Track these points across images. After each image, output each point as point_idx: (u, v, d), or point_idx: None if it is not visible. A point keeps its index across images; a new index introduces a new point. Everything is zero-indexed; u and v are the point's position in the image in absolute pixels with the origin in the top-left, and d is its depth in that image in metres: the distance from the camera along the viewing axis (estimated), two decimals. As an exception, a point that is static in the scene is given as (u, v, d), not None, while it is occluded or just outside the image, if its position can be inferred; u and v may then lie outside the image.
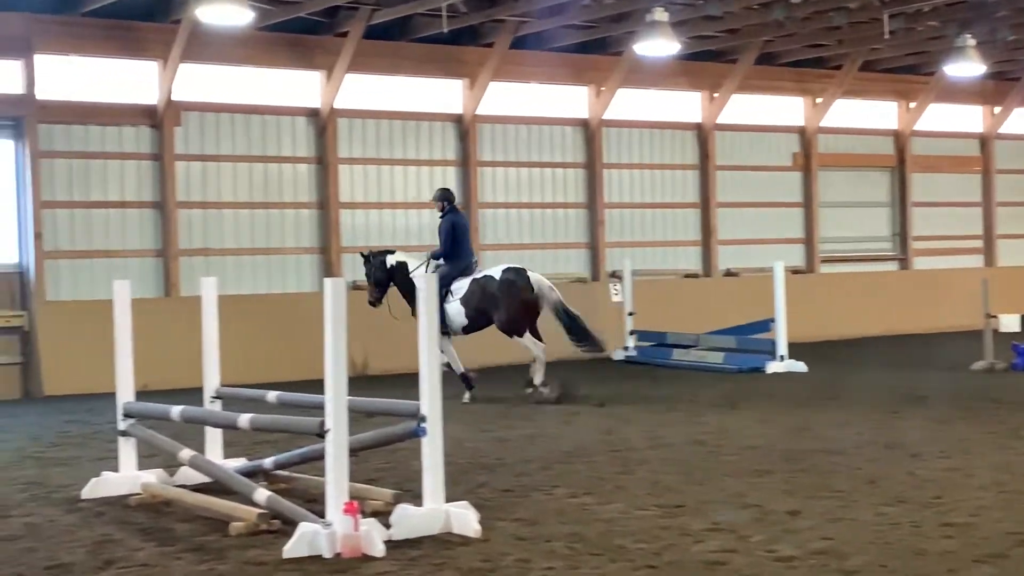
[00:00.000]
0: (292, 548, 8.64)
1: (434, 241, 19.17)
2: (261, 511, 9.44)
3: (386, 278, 18.33)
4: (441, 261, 18.07)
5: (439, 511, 9.20)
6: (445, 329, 17.16)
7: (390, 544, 8.75)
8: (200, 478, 11.03)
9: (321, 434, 8.95)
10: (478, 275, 17.95)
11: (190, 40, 20.96)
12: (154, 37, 21.47)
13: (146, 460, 11.62)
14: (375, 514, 9.20)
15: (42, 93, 20.62)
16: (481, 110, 24.84)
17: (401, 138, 24.30)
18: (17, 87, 20.47)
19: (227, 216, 22.50)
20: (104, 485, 11.15)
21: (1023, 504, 9.94)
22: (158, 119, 21.75)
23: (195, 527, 9.71)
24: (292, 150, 23.16)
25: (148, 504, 10.68)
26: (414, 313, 14.86)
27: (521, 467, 12.18)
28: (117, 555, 8.86)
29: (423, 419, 9.18)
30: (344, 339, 8.90)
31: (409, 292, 17.06)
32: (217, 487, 10.60)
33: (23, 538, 9.53)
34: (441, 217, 18.35)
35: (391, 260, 18.40)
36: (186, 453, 10.73)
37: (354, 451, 9.40)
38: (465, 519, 9.20)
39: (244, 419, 10.13)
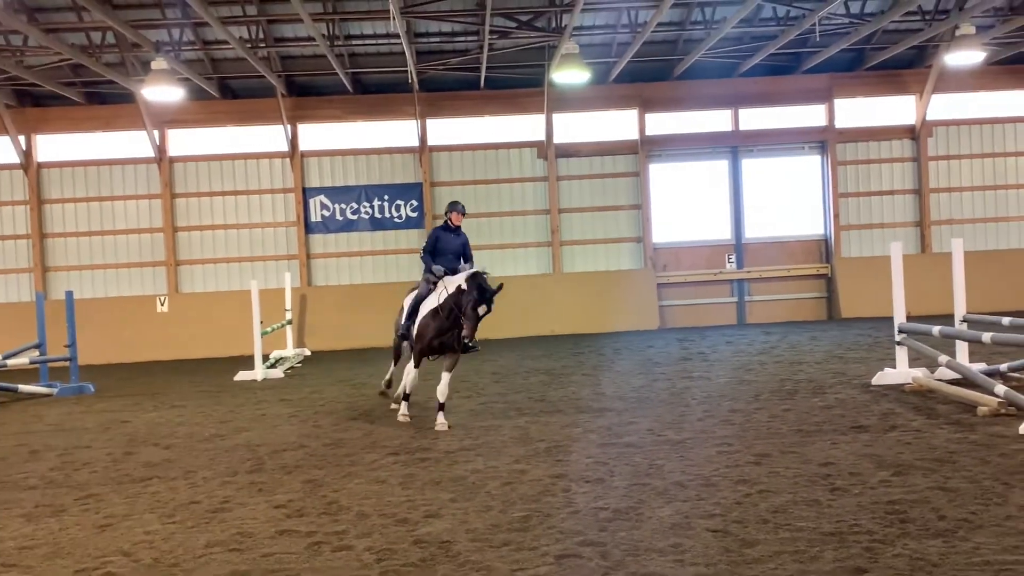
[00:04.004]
0: (1027, 428, 7.75)
1: None
2: (1000, 400, 8.57)
3: None
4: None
5: None
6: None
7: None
8: (951, 376, 10.22)
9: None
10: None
11: (939, 77, 19.52)
12: (912, 79, 20.28)
13: (913, 362, 11.04)
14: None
15: (838, 123, 20.35)
16: None
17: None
18: (821, 121, 20.37)
19: (966, 197, 20.67)
20: (886, 377, 10.79)
21: None
22: (916, 134, 20.46)
23: (951, 408, 9.07)
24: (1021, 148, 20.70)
25: (916, 391, 10.15)
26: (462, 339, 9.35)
27: None
28: (898, 423, 8.52)
29: None
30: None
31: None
32: (965, 383, 9.77)
33: (835, 407, 9.49)
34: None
35: None
36: (943, 358, 10.05)
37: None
38: None
39: (987, 336, 9.21)
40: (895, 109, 20.65)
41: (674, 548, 5.29)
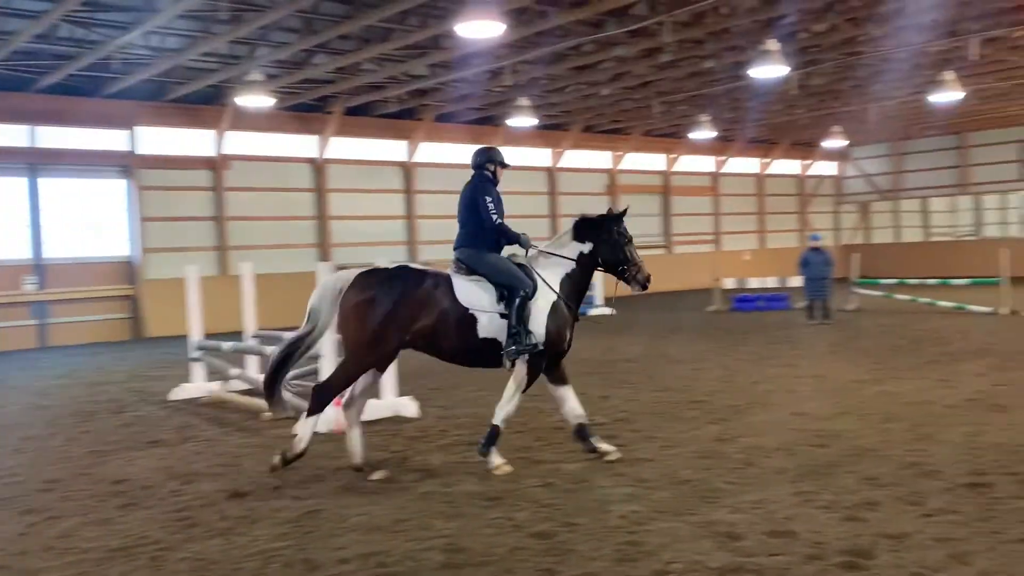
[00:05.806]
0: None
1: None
2: (282, 405, 9.25)
3: None
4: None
5: (392, 402, 9.12)
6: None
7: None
8: (243, 387, 10.70)
9: (316, 358, 8.78)
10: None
11: (235, 116, 20.45)
12: (211, 115, 20.87)
13: (213, 376, 11.22)
14: (352, 405, 9.04)
15: (142, 150, 20.06)
16: (416, 159, 24.49)
17: (368, 177, 23.84)
18: (125, 146, 19.89)
19: (260, 225, 21.96)
20: (183, 391, 10.87)
21: (738, 388, 10.15)
22: (215, 165, 21.17)
23: (240, 416, 9.50)
24: (304, 184, 22.69)
25: (212, 403, 10.42)
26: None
27: (441, 376, 11.70)
28: (192, 434, 8.64)
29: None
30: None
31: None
32: (255, 392, 10.33)
33: (134, 425, 9.27)
34: None
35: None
36: (234, 370, 10.48)
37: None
38: (409, 407, 9.13)
39: (270, 349, 9.84)
40: (197, 141, 21.07)
41: (-62, 597, 4.59)
